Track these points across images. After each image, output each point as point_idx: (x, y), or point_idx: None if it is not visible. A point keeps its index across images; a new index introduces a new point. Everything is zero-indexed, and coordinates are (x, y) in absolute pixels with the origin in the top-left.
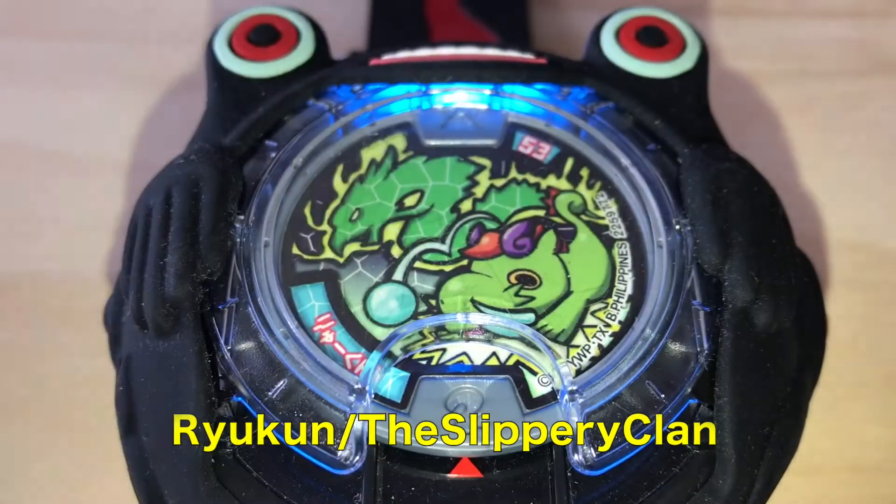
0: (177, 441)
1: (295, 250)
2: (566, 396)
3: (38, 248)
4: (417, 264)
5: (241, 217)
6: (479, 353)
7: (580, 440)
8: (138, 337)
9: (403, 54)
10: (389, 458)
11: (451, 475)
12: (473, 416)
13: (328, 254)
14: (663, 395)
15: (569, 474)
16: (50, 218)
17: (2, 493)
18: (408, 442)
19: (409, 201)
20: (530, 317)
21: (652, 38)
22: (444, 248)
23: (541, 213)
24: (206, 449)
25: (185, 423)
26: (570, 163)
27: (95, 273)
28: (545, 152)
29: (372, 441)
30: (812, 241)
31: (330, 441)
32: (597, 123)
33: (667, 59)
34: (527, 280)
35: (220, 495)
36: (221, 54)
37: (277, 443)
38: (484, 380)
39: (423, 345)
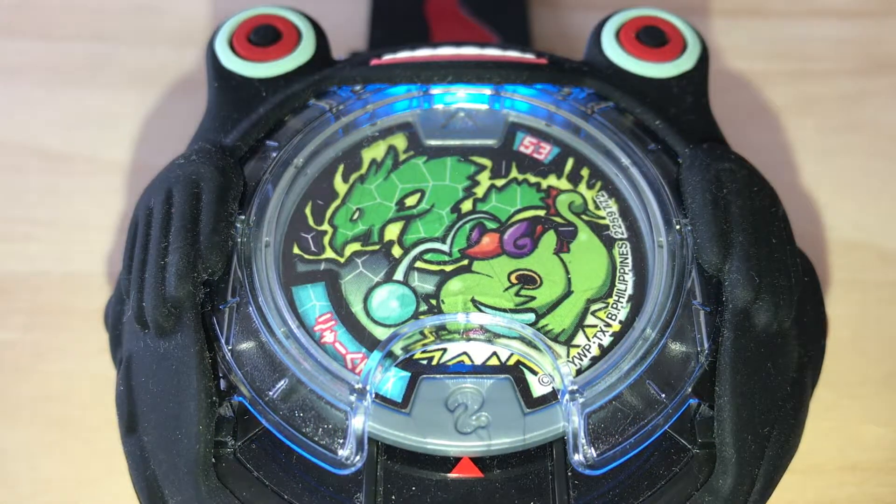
0: (177, 441)
1: (296, 250)
2: (567, 396)
3: (38, 248)
4: (418, 264)
5: (242, 217)
6: (479, 352)
7: (581, 440)
8: (139, 337)
9: (404, 54)
10: (390, 457)
11: (452, 475)
12: (474, 416)
13: (329, 254)
14: (664, 395)
15: (569, 474)
16: (50, 218)
17: (2, 493)
18: (409, 442)
19: (410, 201)
20: (531, 316)
21: (652, 38)
22: (445, 247)
23: (541, 212)
24: (207, 449)
25: (185, 423)
26: (570, 163)
27: (95, 273)
28: (546, 152)
29: (373, 441)
30: (812, 241)
31: (331, 441)
32: (597, 123)
33: (667, 59)
34: (527, 280)
35: (221, 495)
36: (222, 54)
37: (278, 442)
38: (484, 379)
39: (424, 344)
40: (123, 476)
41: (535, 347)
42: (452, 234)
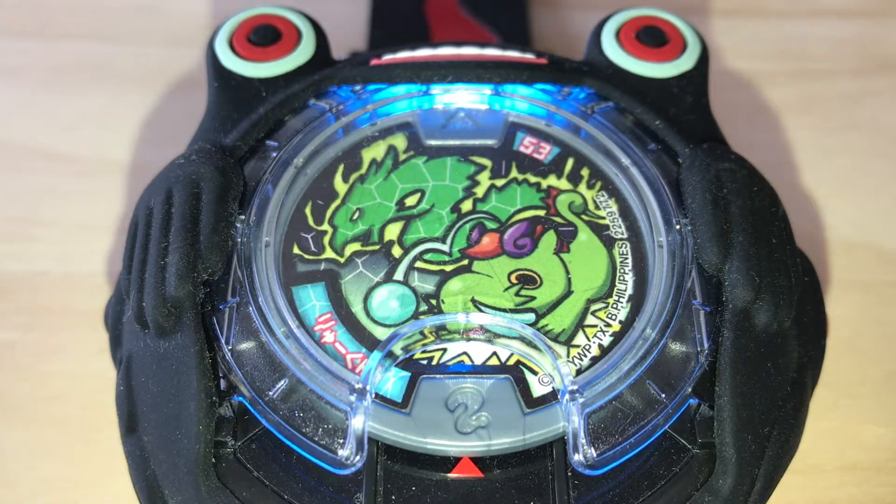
0: (177, 441)
1: (296, 250)
2: (567, 396)
3: (38, 248)
4: (418, 264)
5: (242, 217)
6: (479, 352)
7: (581, 440)
8: (139, 337)
9: (404, 54)
10: (390, 457)
11: (452, 475)
12: (474, 416)
13: (329, 254)
14: (664, 395)
15: (569, 474)
16: (50, 218)
17: (3, 493)
18: (409, 442)
19: (410, 201)
20: (531, 316)
21: (652, 38)
22: (445, 247)
23: (541, 212)
24: (207, 449)
25: (185, 423)
26: (570, 163)
27: (95, 273)
28: (546, 152)
29: (373, 441)
30: (812, 241)
31: (331, 441)
32: (597, 123)
33: (667, 59)
34: (527, 280)
35: (221, 495)
36: (222, 54)
37: (278, 442)
38: (484, 379)
39: (424, 344)
40: (123, 476)
41: (535, 347)
42: (452, 234)
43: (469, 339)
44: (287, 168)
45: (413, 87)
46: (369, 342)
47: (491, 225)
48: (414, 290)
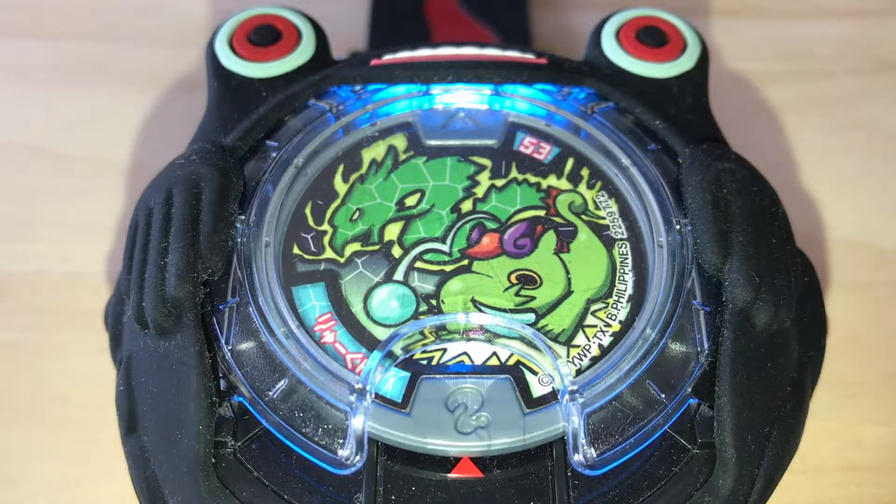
0: (177, 441)
1: (296, 250)
2: (566, 396)
3: (38, 248)
4: (418, 264)
5: (242, 217)
6: (479, 352)
7: (580, 440)
8: (139, 337)
9: (404, 54)
10: (390, 457)
11: (452, 475)
12: (474, 416)
13: (329, 254)
14: (663, 395)
15: (569, 474)
16: (50, 218)
17: (2, 493)
18: (409, 442)
19: (410, 201)
20: (531, 317)
21: (652, 38)
22: (445, 248)
23: (541, 213)
24: (207, 449)
25: (185, 423)
26: (570, 163)
27: (95, 273)
28: (546, 152)
29: (373, 441)
30: (812, 241)
31: (331, 441)
32: (597, 123)
33: (667, 59)
34: (527, 280)
35: (221, 495)
36: (222, 54)
37: (278, 442)
38: (484, 379)
39: (424, 344)
40: (123, 476)
41: (534, 347)
42: (452, 234)
43: (469, 340)
44: (287, 168)
45: (413, 87)
46: (369, 342)
47: (491, 225)
48: (414, 291)
